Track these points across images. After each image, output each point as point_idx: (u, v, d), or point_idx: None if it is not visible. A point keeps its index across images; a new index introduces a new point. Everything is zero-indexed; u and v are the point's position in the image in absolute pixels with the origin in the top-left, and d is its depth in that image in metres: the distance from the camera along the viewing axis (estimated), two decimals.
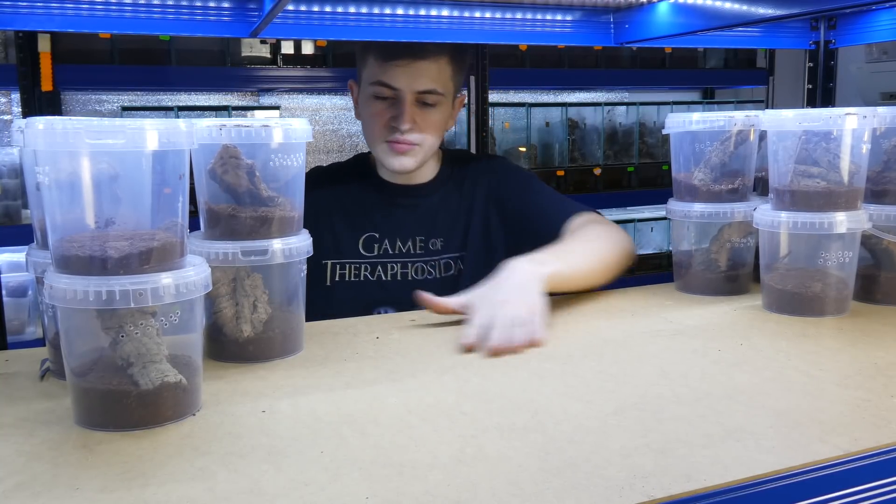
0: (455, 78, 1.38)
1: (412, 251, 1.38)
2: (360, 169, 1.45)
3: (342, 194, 1.41)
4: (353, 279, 1.36)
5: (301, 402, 0.82)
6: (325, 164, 1.51)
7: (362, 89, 1.38)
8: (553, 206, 1.37)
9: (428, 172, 1.43)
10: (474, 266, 1.38)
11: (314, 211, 1.35)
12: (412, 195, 1.41)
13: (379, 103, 1.34)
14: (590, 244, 1.23)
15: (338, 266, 1.36)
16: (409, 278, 1.37)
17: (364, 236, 1.38)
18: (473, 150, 2.53)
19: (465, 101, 1.48)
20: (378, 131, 1.34)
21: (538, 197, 1.41)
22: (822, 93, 1.73)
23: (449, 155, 1.48)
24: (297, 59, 2.93)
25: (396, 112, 1.32)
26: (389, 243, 1.38)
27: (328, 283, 1.36)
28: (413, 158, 1.35)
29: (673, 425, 0.73)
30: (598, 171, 3.39)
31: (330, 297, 1.34)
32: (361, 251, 1.37)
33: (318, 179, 1.40)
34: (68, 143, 0.70)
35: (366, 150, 1.46)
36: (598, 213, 1.38)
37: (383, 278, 1.36)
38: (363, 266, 1.36)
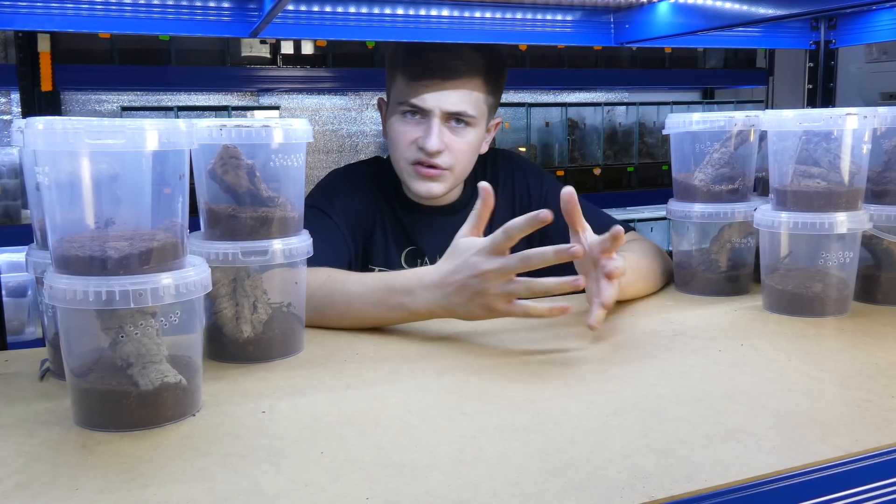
0: (489, 99, 1.32)
1: None
2: (389, 181, 1.38)
3: (380, 204, 1.36)
4: None
5: (301, 402, 0.82)
6: (331, 167, 1.47)
7: (390, 108, 1.33)
8: (601, 223, 1.36)
9: (458, 191, 1.39)
10: None
11: (360, 210, 1.32)
12: (446, 213, 1.38)
13: (406, 123, 1.29)
14: (644, 262, 1.24)
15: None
16: None
17: (407, 250, 1.36)
18: None
19: (500, 125, 1.42)
20: (403, 152, 1.29)
21: (582, 212, 1.40)
22: (822, 93, 1.73)
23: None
24: (296, 59, 2.93)
25: (424, 132, 1.27)
26: (430, 258, 1.36)
27: None
28: (442, 185, 1.31)
29: (673, 426, 0.73)
30: (597, 171, 3.39)
31: None
32: (404, 264, 1.35)
33: (350, 183, 1.36)
34: (68, 144, 0.70)
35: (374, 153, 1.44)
36: (635, 230, 1.39)
37: None
38: None
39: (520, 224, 0.95)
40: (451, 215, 1.38)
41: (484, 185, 1.02)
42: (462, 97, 1.27)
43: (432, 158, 1.27)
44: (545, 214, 0.93)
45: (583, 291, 1.01)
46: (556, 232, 1.09)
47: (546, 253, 0.95)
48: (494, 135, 1.41)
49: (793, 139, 1.09)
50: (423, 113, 1.27)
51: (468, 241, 1.01)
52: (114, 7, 1.14)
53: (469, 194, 1.41)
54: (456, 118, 1.28)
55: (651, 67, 3.56)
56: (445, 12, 1.32)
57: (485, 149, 1.38)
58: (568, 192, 1.00)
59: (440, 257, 1.36)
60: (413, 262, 1.36)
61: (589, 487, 0.61)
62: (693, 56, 3.67)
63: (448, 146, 1.28)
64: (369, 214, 1.34)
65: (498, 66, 1.34)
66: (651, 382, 0.86)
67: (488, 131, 1.38)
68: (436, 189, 1.31)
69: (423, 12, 1.31)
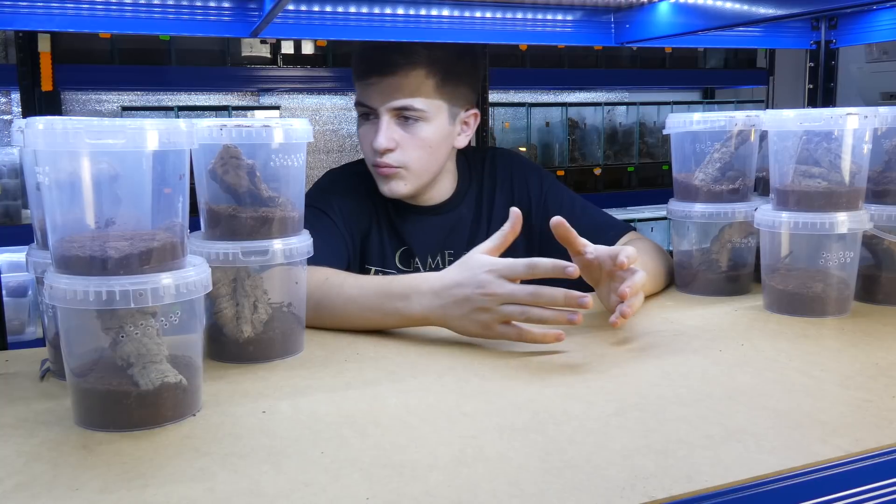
0: (443, 91, 1.28)
1: (440, 265, 1.36)
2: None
3: (376, 204, 1.36)
4: None
5: (301, 402, 0.82)
6: (332, 167, 1.46)
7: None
8: (601, 223, 1.37)
9: (444, 190, 1.37)
10: None
11: (357, 210, 1.32)
12: (436, 213, 1.37)
13: (365, 125, 1.30)
14: (650, 262, 1.24)
15: (380, 274, 1.33)
16: None
17: (400, 250, 1.35)
18: None
19: (479, 116, 1.38)
20: (367, 155, 1.31)
21: (582, 213, 1.39)
22: (822, 93, 1.73)
23: (464, 161, 1.41)
24: (297, 59, 2.93)
25: (375, 132, 1.26)
26: (420, 259, 1.35)
27: None
28: (402, 182, 1.28)
29: (674, 426, 0.73)
30: (598, 171, 3.39)
31: None
32: (398, 265, 1.35)
33: (347, 183, 1.36)
34: (68, 143, 0.70)
35: None
36: (636, 230, 1.39)
37: None
38: None
39: (545, 267, 0.97)
40: (441, 214, 1.38)
41: (515, 211, 1.03)
42: (405, 91, 1.25)
43: (383, 157, 1.26)
44: (572, 270, 0.96)
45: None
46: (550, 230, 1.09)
47: (556, 295, 0.97)
48: (475, 128, 1.37)
49: (793, 139, 1.09)
50: (374, 112, 1.27)
51: (483, 258, 1.00)
52: (114, 7, 1.14)
53: (462, 193, 1.40)
54: (404, 113, 1.26)
55: (651, 67, 3.56)
56: (445, 12, 1.32)
57: (462, 143, 1.35)
58: (556, 220, 1.03)
59: (430, 257, 1.36)
60: (406, 263, 1.35)
61: (589, 487, 0.61)
62: (693, 56, 3.67)
63: (399, 143, 1.26)
64: (365, 214, 1.34)
65: (449, 57, 1.29)
66: (651, 382, 0.86)
67: (466, 124, 1.34)
68: (398, 188, 1.29)
69: (423, 12, 1.30)
